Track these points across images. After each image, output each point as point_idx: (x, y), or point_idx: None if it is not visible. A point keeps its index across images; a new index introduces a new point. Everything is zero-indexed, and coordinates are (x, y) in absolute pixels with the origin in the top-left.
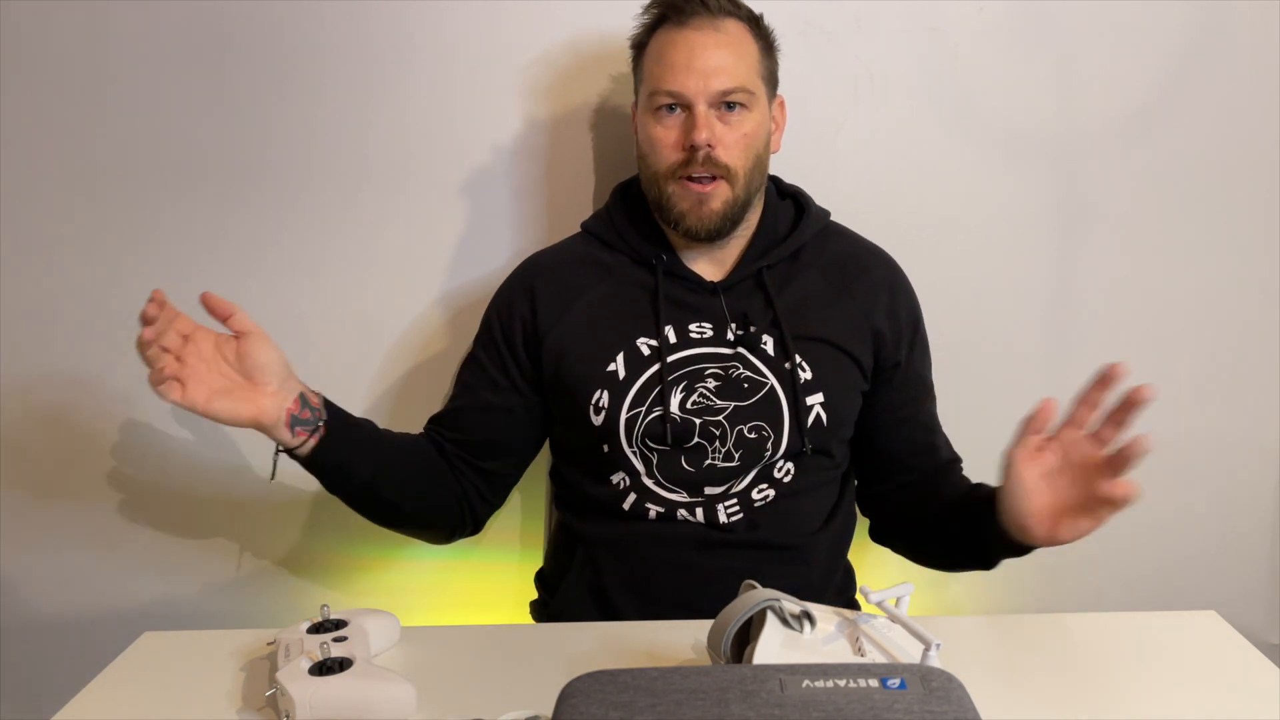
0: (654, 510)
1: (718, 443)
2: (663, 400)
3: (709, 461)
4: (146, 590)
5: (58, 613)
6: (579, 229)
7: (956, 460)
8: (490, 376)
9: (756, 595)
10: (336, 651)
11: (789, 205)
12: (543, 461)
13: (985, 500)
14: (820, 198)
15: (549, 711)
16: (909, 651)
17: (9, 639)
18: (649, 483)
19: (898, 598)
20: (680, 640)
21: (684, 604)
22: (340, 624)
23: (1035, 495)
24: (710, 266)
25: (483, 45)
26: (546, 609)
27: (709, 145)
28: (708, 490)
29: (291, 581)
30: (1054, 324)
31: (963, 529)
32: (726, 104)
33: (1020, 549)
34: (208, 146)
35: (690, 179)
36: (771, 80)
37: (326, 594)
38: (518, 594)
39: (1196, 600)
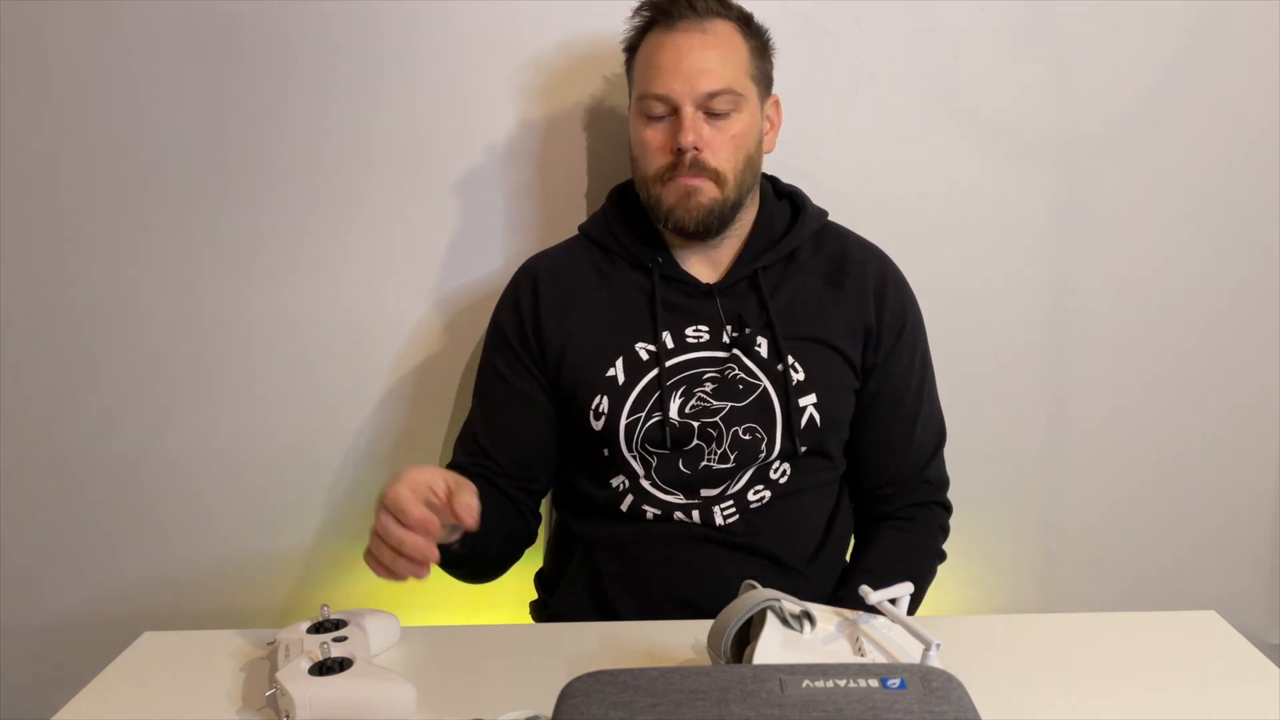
0: (651, 511)
1: (714, 444)
2: (662, 406)
3: (704, 463)
4: (146, 590)
5: (58, 613)
6: (575, 231)
7: (920, 505)
8: (519, 390)
9: (756, 595)
10: (336, 651)
11: (785, 205)
12: None
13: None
14: (820, 198)
15: (549, 711)
16: (909, 651)
17: (9, 639)
18: (646, 485)
19: (897, 598)
20: (680, 640)
21: (682, 603)
22: (340, 624)
23: None
24: (705, 268)
25: (476, 47)
26: (546, 609)
27: (696, 148)
28: (704, 492)
29: (291, 581)
30: (1054, 324)
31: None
32: (714, 106)
33: None
34: (204, 148)
35: (678, 179)
36: (764, 80)
37: (326, 594)
38: (517, 594)
39: (1196, 600)
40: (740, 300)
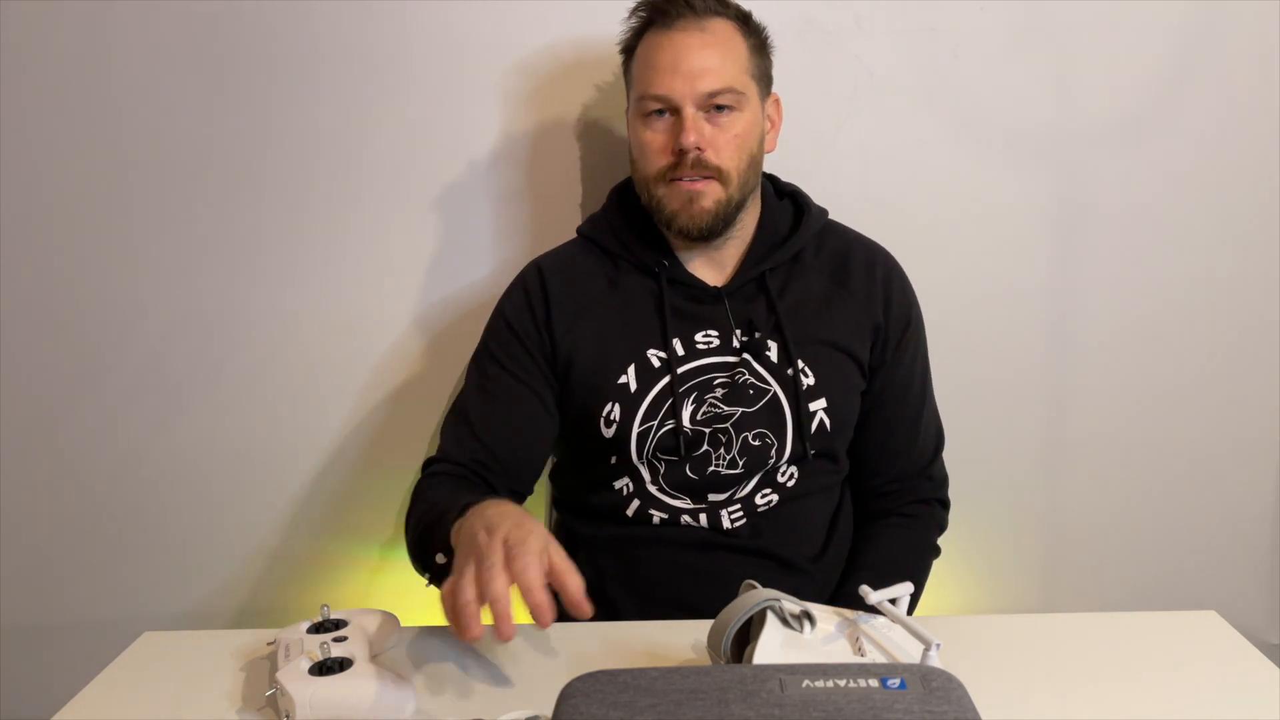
0: (658, 516)
1: (723, 449)
2: (675, 413)
3: (713, 468)
4: (146, 590)
5: (58, 613)
6: (573, 234)
7: (922, 501)
8: (525, 385)
9: (756, 595)
10: (336, 651)
11: (787, 205)
12: None
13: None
14: (820, 198)
15: (549, 711)
16: (909, 651)
17: (9, 639)
18: (653, 490)
19: (897, 598)
20: (680, 640)
21: (687, 606)
22: (340, 624)
23: None
24: (711, 270)
25: (468, 52)
26: None
27: (698, 148)
28: (711, 497)
29: (291, 581)
30: (1054, 323)
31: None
32: (715, 105)
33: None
34: (201, 149)
35: (680, 180)
36: (764, 79)
37: (326, 594)
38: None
39: (1196, 600)
40: (749, 303)
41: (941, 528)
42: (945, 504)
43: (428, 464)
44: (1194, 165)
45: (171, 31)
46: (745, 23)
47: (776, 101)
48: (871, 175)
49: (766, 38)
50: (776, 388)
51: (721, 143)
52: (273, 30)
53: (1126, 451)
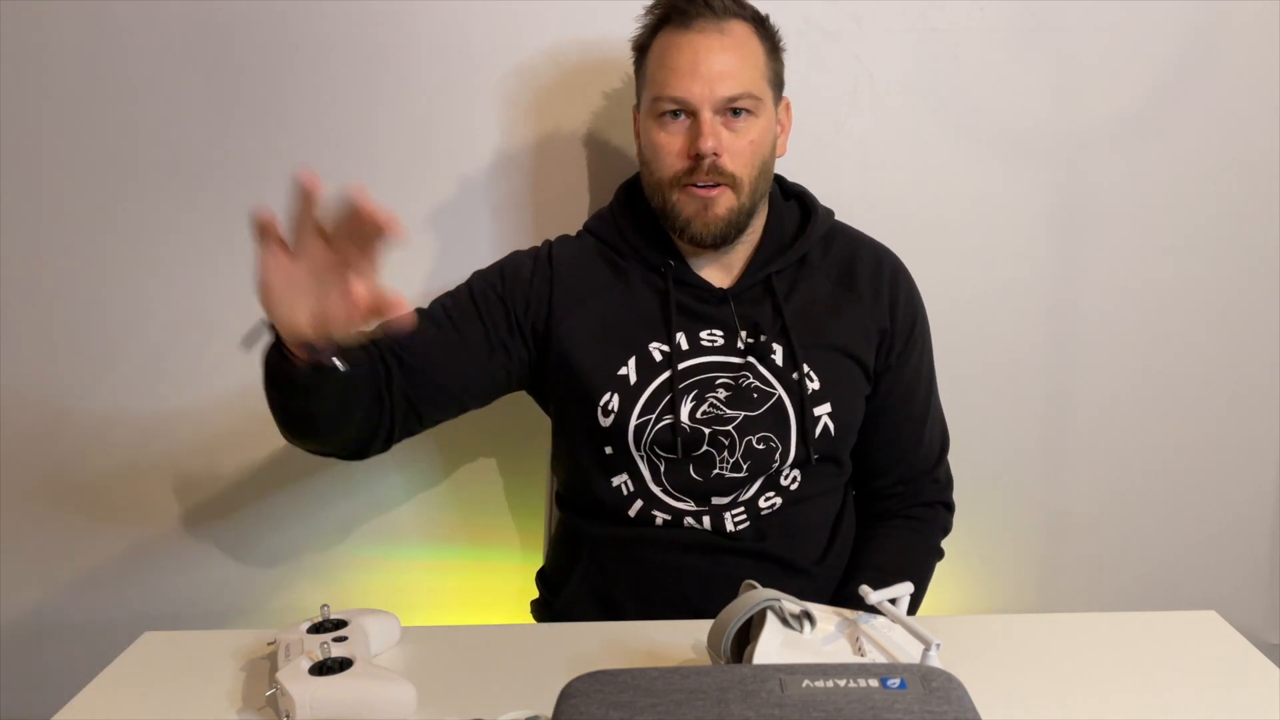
0: (661, 517)
1: (726, 453)
2: (673, 408)
3: (717, 471)
4: (146, 590)
5: (58, 613)
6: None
7: (926, 504)
8: (480, 323)
9: (756, 595)
10: (336, 651)
11: (794, 207)
12: (542, 458)
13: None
14: (820, 198)
15: (549, 711)
16: (909, 651)
17: (9, 639)
18: (656, 490)
19: (897, 598)
20: (680, 640)
21: (690, 608)
22: (340, 624)
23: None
24: (718, 272)
25: (470, 56)
26: (549, 608)
27: (715, 154)
28: (715, 500)
29: (291, 581)
30: (1054, 324)
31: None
32: (732, 110)
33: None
34: (202, 153)
35: (695, 185)
36: (778, 83)
37: (326, 594)
38: (518, 594)
39: (1196, 600)
40: (755, 306)
41: (946, 530)
42: (950, 507)
43: None
44: (1194, 165)
45: (174, 35)
46: (762, 25)
47: (787, 105)
48: (871, 175)
49: (779, 41)
50: (781, 391)
51: (737, 149)
52: (275, 33)
53: (1126, 451)
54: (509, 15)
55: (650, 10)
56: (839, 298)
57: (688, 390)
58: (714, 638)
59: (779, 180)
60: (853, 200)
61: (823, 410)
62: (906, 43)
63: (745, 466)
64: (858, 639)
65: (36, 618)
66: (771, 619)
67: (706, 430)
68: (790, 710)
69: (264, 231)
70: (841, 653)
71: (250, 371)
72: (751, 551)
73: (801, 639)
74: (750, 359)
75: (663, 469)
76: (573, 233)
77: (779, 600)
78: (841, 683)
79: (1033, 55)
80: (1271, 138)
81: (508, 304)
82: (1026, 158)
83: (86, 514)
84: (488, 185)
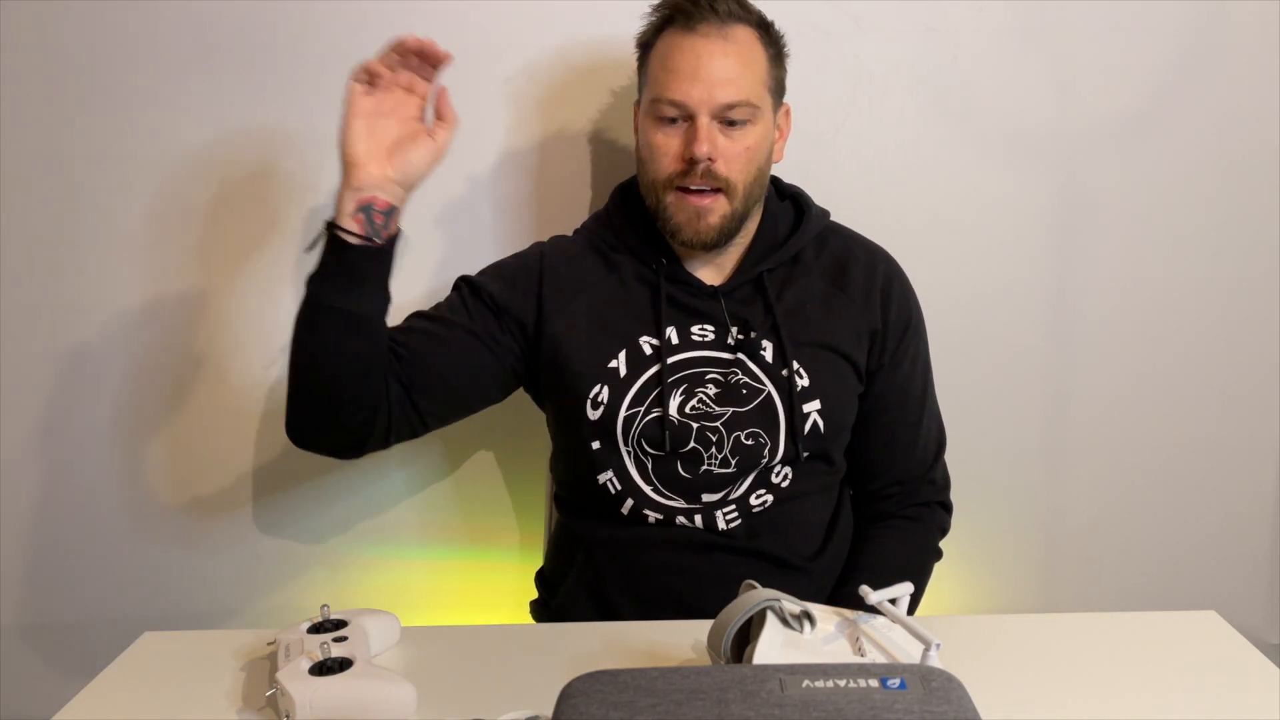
0: (652, 516)
1: (714, 449)
2: (661, 401)
3: (705, 467)
4: (146, 590)
5: (58, 613)
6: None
7: (923, 504)
8: (469, 318)
9: (756, 595)
10: (336, 651)
11: (789, 207)
12: (542, 458)
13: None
14: (819, 198)
15: (549, 711)
16: (909, 651)
17: (9, 639)
18: (645, 488)
19: (896, 598)
20: (680, 640)
21: (684, 607)
22: (340, 624)
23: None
24: (710, 271)
25: (471, 55)
26: (547, 608)
27: (709, 159)
28: (705, 497)
29: (291, 581)
30: (1054, 324)
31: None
32: (729, 120)
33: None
34: (204, 152)
35: (688, 190)
36: (779, 90)
37: (326, 594)
38: (518, 594)
39: (1196, 600)
40: (746, 303)
41: (943, 531)
42: (947, 507)
43: None
44: (1194, 165)
45: (175, 34)
46: (766, 31)
47: (787, 111)
48: (871, 175)
49: (784, 47)
50: (771, 388)
51: (733, 155)
52: (276, 31)
53: (1126, 451)
54: (517, 13)
55: (656, 9)
56: (831, 297)
57: (677, 384)
58: (714, 638)
59: (775, 181)
60: (852, 200)
61: (812, 407)
62: (906, 43)
63: (734, 463)
64: (858, 639)
65: (36, 618)
66: (771, 619)
67: (694, 425)
68: (790, 710)
69: (370, 76)
70: (841, 653)
71: (250, 372)
72: (744, 549)
73: (801, 639)
74: (740, 355)
75: (650, 465)
76: (565, 233)
77: (779, 600)
78: (841, 683)
79: (1033, 55)
80: (1271, 138)
81: (498, 300)
82: (1026, 158)
83: (87, 514)
84: (493, 183)
